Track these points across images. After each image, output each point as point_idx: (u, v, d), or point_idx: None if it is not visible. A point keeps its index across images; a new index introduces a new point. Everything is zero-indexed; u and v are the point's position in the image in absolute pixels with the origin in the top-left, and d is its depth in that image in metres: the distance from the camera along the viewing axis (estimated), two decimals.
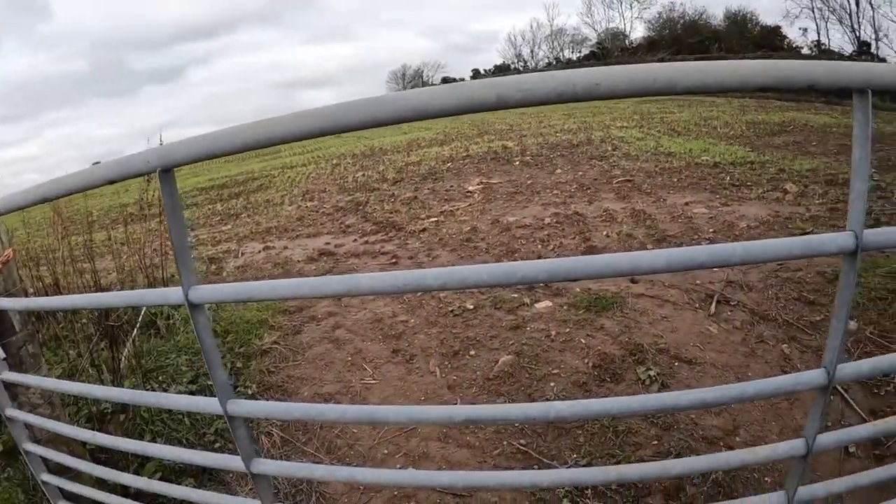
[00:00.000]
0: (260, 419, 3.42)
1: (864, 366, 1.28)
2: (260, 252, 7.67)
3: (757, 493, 2.59)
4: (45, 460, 2.65)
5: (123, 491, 2.64)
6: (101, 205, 13.81)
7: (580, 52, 64.34)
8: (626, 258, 1.09)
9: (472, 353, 3.94)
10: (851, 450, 2.85)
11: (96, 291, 3.89)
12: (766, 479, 2.72)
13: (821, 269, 4.46)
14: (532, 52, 68.95)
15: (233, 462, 1.67)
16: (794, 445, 1.38)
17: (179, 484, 2.87)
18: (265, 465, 1.64)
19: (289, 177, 15.47)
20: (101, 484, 2.74)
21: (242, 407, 1.51)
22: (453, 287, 1.13)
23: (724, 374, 3.41)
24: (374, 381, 3.78)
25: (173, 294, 1.38)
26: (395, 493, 2.90)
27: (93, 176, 1.43)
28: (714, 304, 4.17)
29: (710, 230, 5.72)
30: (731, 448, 2.85)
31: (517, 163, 11.15)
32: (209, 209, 12.53)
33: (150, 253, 4.99)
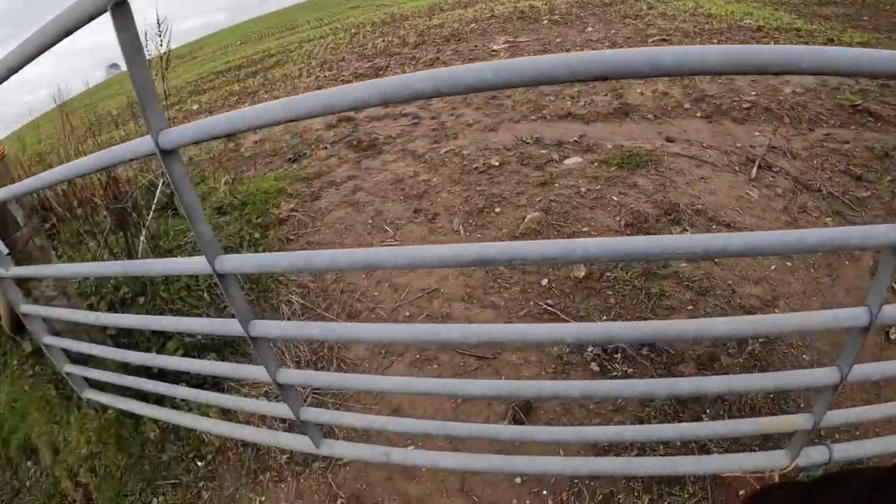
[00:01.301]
0: (264, 278, 3.37)
1: None
2: (280, 125, 7.45)
3: (795, 368, 2.47)
4: (66, 352, 2.66)
5: (147, 373, 2.64)
6: (118, 103, 13.68)
7: None
8: (670, 52, 0.88)
9: (498, 210, 3.77)
10: None
11: (105, 188, 3.78)
12: (804, 356, 2.57)
13: (869, 144, 4.14)
14: None
15: (229, 325, 1.58)
16: (856, 314, 1.22)
17: (202, 360, 2.88)
18: (263, 327, 1.54)
19: (306, 50, 14.89)
20: (124, 369, 2.75)
21: (230, 262, 1.39)
22: (447, 91, 0.98)
23: None
24: (395, 242, 3.66)
25: (143, 144, 1.25)
26: (418, 356, 2.85)
27: (44, 32, 1.28)
28: (756, 168, 3.92)
29: (753, 93, 5.32)
30: None
31: (545, 21, 10.48)
32: (226, 91, 12.19)
33: None
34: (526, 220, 3.59)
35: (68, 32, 1.24)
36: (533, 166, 4.27)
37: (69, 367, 2.68)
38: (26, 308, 2.50)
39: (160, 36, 3.68)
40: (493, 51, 8.61)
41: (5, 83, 1.54)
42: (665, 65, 0.88)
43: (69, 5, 1.20)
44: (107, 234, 3.46)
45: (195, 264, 1.44)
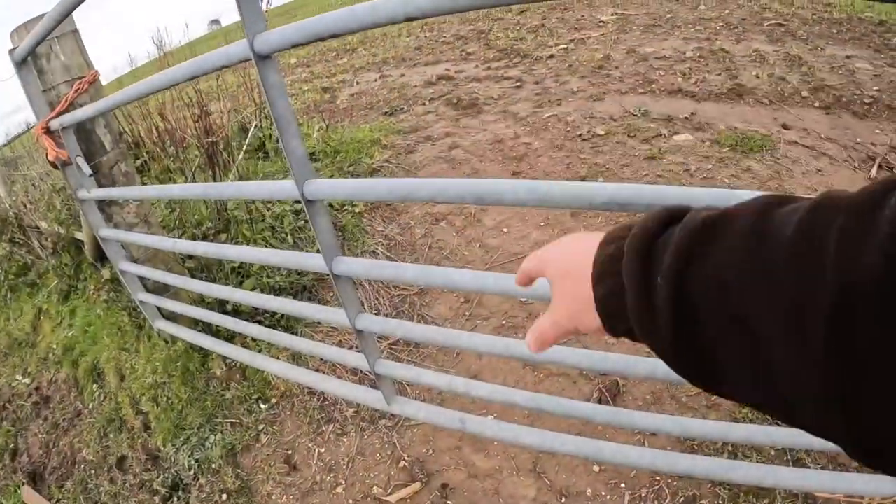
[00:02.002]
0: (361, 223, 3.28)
1: None
2: (376, 80, 7.36)
3: None
4: (142, 280, 2.63)
5: (221, 310, 2.59)
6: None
7: None
8: None
9: (601, 180, 3.52)
10: None
11: (196, 123, 3.76)
12: None
13: None
14: None
15: (312, 260, 1.46)
16: None
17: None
18: (348, 265, 1.40)
19: None
20: (198, 303, 2.71)
21: (317, 187, 1.25)
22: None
23: None
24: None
25: (238, 48, 1.15)
26: (503, 322, 2.69)
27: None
28: (876, 167, 3.59)
29: (875, 88, 4.89)
30: None
31: None
32: (324, 46, 12.23)
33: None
34: None
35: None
36: (640, 139, 4.00)
37: (143, 296, 2.66)
38: (105, 232, 2.48)
39: None
40: (600, 21, 8.25)
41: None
42: None
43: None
44: (195, 171, 3.43)
45: (283, 187, 1.30)
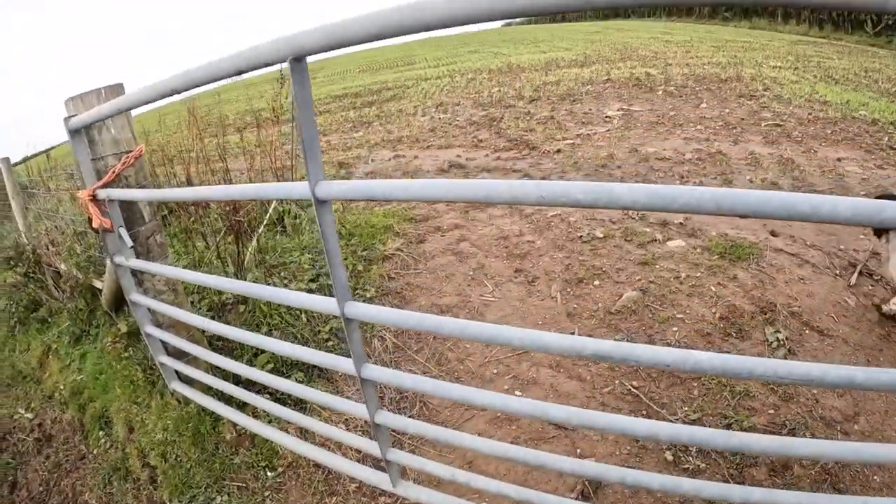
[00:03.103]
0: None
1: None
2: (390, 160, 7.63)
3: (864, 488, 2.41)
4: (164, 344, 2.80)
5: (235, 378, 2.75)
6: (237, 109, 14.25)
7: None
8: (807, 200, 0.91)
9: (597, 283, 3.76)
10: None
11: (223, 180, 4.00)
12: (875, 477, 2.48)
13: None
14: None
15: (342, 363, 1.65)
16: None
17: (289, 377, 2.98)
18: (374, 371, 1.61)
19: (422, 88, 15.23)
20: (214, 370, 2.86)
21: (359, 310, 1.47)
22: (604, 205, 1.00)
23: (855, 352, 3.10)
24: (493, 299, 3.68)
25: (299, 188, 1.34)
26: (499, 414, 2.86)
27: (221, 65, 1.38)
28: (856, 274, 3.78)
29: (861, 192, 5.15)
30: (847, 434, 2.63)
31: (660, 92, 10.42)
32: (341, 116, 12.61)
33: (282, 155, 5.07)
34: (623, 298, 3.58)
35: (240, 72, 1.35)
36: (636, 244, 4.25)
37: (164, 359, 2.82)
38: (136, 297, 2.64)
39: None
40: (606, 116, 8.64)
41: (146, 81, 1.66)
42: (802, 210, 0.91)
43: (250, 48, 1.31)
44: (219, 239, 3.62)
45: (326, 304, 1.51)
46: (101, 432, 3.49)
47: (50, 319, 5.11)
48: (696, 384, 2.93)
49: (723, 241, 4.14)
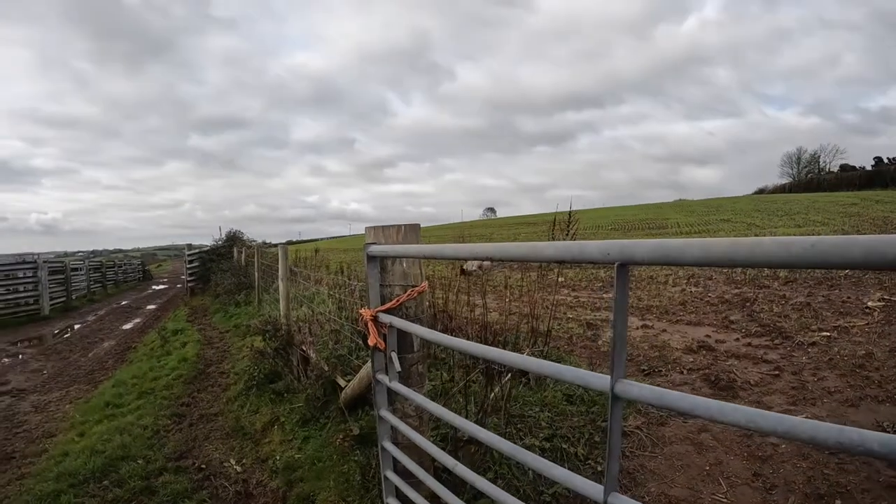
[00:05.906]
0: None
1: None
2: (638, 329, 7.59)
3: None
4: (395, 461, 2.95)
5: None
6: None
7: None
8: None
9: (838, 502, 3.35)
10: None
11: (481, 327, 4.21)
12: None
13: None
14: None
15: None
16: None
17: None
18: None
19: None
20: (433, 499, 2.96)
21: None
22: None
23: None
24: (725, 501, 3.41)
25: (599, 380, 1.41)
26: None
27: (545, 251, 1.53)
28: None
29: None
30: None
31: None
32: (592, 273, 12.90)
33: (541, 312, 5.33)
34: None
35: (560, 261, 1.48)
36: (888, 462, 3.69)
37: (390, 474, 2.97)
38: (385, 414, 2.84)
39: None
40: (867, 307, 7.79)
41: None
42: None
43: (576, 243, 1.44)
44: (469, 379, 3.81)
45: (588, 488, 1.54)
46: None
47: (286, 395, 5.63)
48: None
49: None
